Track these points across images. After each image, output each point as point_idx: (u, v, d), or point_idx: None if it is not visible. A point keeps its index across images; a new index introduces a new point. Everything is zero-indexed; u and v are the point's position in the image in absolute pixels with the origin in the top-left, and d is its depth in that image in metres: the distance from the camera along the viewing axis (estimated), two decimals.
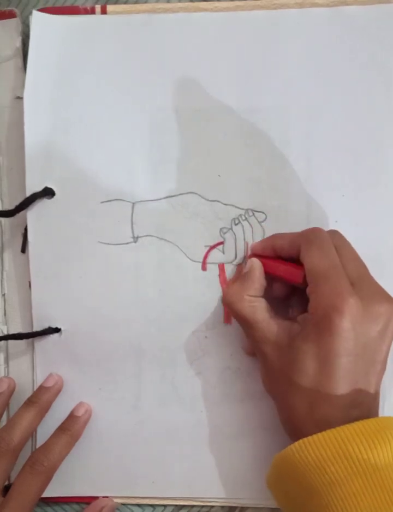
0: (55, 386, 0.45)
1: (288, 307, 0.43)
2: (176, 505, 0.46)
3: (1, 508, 0.39)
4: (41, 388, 0.45)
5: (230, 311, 0.41)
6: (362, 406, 0.36)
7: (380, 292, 0.38)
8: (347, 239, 0.41)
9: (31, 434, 0.44)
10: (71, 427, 0.44)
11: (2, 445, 0.41)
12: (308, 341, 0.36)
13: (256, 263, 0.42)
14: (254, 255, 0.43)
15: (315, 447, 0.34)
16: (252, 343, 0.41)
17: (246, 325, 0.40)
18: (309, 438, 0.34)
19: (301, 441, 0.35)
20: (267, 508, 0.45)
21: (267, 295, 0.41)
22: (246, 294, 0.40)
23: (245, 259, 0.44)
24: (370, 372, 0.36)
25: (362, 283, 0.38)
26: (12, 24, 0.47)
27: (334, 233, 0.41)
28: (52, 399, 0.45)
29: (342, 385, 0.35)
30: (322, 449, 0.34)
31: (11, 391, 0.46)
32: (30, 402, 0.44)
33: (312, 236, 0.39)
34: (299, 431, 0.36)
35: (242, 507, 0.46)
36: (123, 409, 0.46)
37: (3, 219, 0.48)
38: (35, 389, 0.46)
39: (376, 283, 0.39)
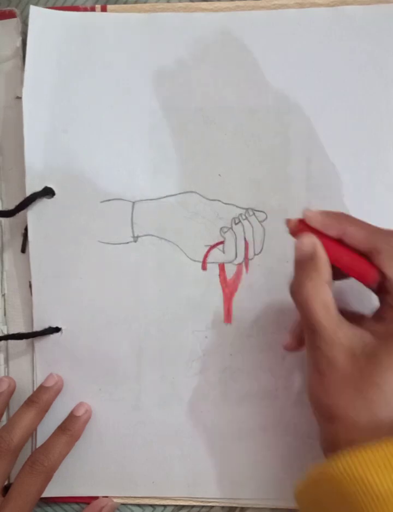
0: (55, 386, 0.45)
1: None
2: (176, 505, 0.46)
3: (1, 508, 0.39)
4: (41, 388, 0.45)
5: (299, 306, 0.35)
6: None
7: None
8: None
9: (31, 434, 0.44)
10: (71, 427, 0.44)
11: (2, 445, 0.41)
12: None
13: (318, 244, 0.35)
14: (308, 227, 0.36)
15: (364, 460, 0.31)
16: (314, 348, 0.35)
17: (315, 323, 0.34)
18: (357, 451, 0.31)
19: (347, 454, 0.31)
20: (267, 509, 0.45)
21: None
22: (324, 288, 0.34)
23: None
24: None
25: None
26: (12, 24, 0.47)
27: None
28: (52, 399, 0.45)
29: None
30: (369, 463, 0.31)
31: (11, 391, 0.46)
32: (30, 401, 0.44)
33: None
34: (355, 441, 0.33)
35: (242, 508, 0.46)
36: (123, 409, 0.46)
37: (3, 219, 0.47)
38: (35, 389, 0.46)
39: None
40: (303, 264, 0.35)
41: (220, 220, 0.45)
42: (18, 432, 0.42)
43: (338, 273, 0.35)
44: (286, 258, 0.44)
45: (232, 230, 0.45)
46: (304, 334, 0.36)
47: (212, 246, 0.45)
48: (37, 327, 0.46)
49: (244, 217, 0.45)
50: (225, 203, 0.45)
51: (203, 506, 0.46)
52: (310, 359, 0.36)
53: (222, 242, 0.45)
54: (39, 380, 0.46)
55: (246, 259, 0.45)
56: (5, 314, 0.47)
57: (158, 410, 0.46)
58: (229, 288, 0.45)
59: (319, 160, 0.45)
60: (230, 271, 0.45)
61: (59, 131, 0.46)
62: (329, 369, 0.34)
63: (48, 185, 0.45)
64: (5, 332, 0.47)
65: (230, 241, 0.45)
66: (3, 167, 0.48)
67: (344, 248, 0.35)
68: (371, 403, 0.33)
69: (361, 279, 0.35)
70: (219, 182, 0.45)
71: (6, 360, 0.47)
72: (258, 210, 0.45)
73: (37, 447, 0.44)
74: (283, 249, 0.45)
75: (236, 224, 0.45)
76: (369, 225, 0.36)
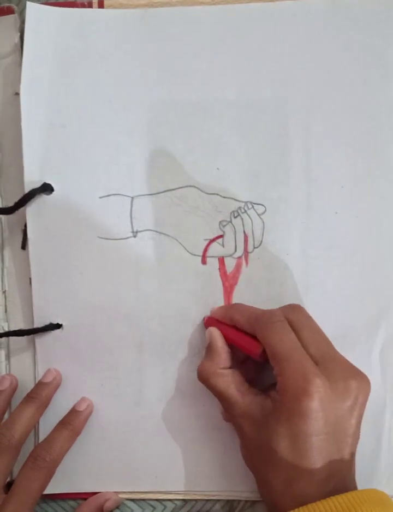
0: (54, 381, 0.45)
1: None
2: (180, 500, 0.46)
3: (4, 504, 0.39)
4: (40, 383, 0.45)
5: (206, 386, 0.42)
6: (337, 477, 0.36)
7: (346, 368, 0.38)
8: (309, 315, 0.41)
9: (32, 429, 0.44)
10: (72, 421, 0.44)
11: (3, 441, 0.41)
12: (279, 421, 0.36)
13: (215, 333, 0.42)
14: (214, 320, 0.44)
15: None
16: (229, 416, 0.41)
17: (222, 399, 0.41)
18: None
19: None
20: None
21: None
22: (217, 368, 0.41)
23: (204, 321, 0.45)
24: (342, 446, 0.37)
25: (326, 360, 0.38)
26: (11, 21, 0.47)
27: (295, 309, 0.41)
28: (51, 394, 0.45)
29: (316, 462, 0.36)
30: None
31: (14, 389, 0.46)
32: (29, 397, 0.44)
33: (266, 320, 0.39)
34: (276, 505, 0.37)
35: (246, 501, 0.46)
36: (125, 405, 0.46)
37: (2, 216, 0.47)
38: None
39: (341, 358, 0.39)
40: (206, 350, 0.43)
41: (219, 214, 0.45)
42: (19, 428, 0.42)
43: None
44: (285, 251, 0.45)
45: (232, 223, 0.45)
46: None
47: (212, 240, 0.45)
48: (38, 324, 0.46)
49: (243, 210, 0.45)
50: (224, 197, 0.45)
51: (207, 500, 0.46)
52: (234, 427, 0.41)
53: (221, 236, 0.45)
54: (41, 377, 0.46)
55: (245, 252, 0.45)
56: (6, 311, 0.47)
57: (160, 405, 0.46)
58: (229, 282, 0.45)
59: (318, 151, 0.45)
60: (230, 265, 0.45)
61: (57, 127, 0.45)
62: (241, 435, 0.40)
63: (47, 182, 0.45)
64: (6, 329, 0.47)
65: (229, 235, 0.45)
66: (3, 164, 0.48)
67: (235, 331, 0.42)
68: (275, 464, 0.37)
69: (248, 353, 0.40)
70: (217, 176, 0.45)
71: (8, 357, 0.47)
72: (257, 203, 0.45)
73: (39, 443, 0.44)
74: (282, 242, 0.45)
75: (235, 217, 0.45)
76: (252, 310, 0.42)
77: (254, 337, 0.40)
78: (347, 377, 0.37)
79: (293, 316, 0.40)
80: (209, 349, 0.42)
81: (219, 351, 0.41)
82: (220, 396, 0.41)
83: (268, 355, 0.38)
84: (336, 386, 0.36)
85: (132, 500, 0.46)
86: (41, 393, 0.44)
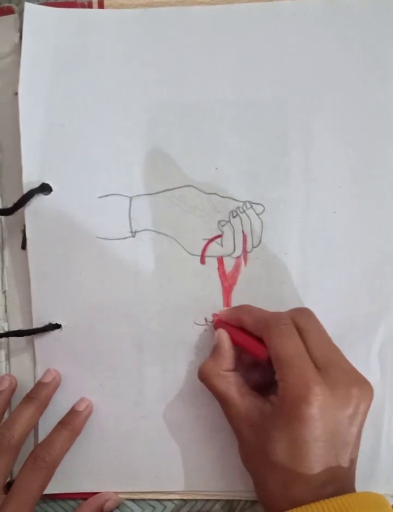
0: (54, 382, 0.45)
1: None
2: (180, 500, 0.46)
3: (4, 504, 0.39)
4: (40, 384, 0.45)
5: (206, 386, 0.42)
6: (335, 482, 0.36)
7: (349, 375, 0.38)
8: (317, 319, 0.40)
9: (32, 429, 0.44)
10: (72, 422, 0.44)
11: (3, 442, 0.41)
12: (277, 426, 0.36)
13: (223, 336, 0.42)
14: (220, 322, 0.44)
15: None
16: (227, 419, 0.41)
17: (221, 401, 0.41)
18: None
19: None
20: None
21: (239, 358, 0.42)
22: (220, 369, 0.41)
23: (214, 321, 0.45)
24: (341, 454, 0.36)
25: (329, 366, 0.37)
26: (10, 21, 0.47)
27: (303, 313, 0.40)
28: (51, 394, 0.45)
29: (313, 467, 0.35)
30: None
31: (13, 389, 0.46)
32: (29, 397, 0.44)
33: (273, 323, 0.39)
34: (273, 508, 0.37)
35: (246, 501, 0.46)
36: (125, 405, 0.46)
37: (2, 217, 0.47)
38: None
39: (345, 364, 0.38)
40: (212, 351, 0.43)
41: (218, 214, 0.45)
42: (19, 428, 0.42)
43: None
44: (284, 250, 0.45)
45: (230, 223, 0.45)
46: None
47: (210, 240, 0.45)
48: (37, 324, 0.46)
49: (241, 210, 0.45)
50: (223, 197, 0.45)
51: (207, 500, 0.46)
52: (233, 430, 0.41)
53: (220, 236, 0.45)
54: (40, 377, 0.46)
55: (244, 252, 0.45)
56: (6, 311, 0.47)
57: (160, 405, 0.46)
58: (228, 281, 0.45)
59: (317, 151, 0.45)
60: (229, 264, 0.45)
61: (56, 127, 0.45)
62: (240, 438, 0.40)
63: (46, 182, 0.45)
64: (6, 329, 0.47)
65: (228, 234, 0.45)
66: (2, 164, 0.48)
67: (242, 333, 0.42)
68: (272, 467, 0.37)
69: (254, 355, 0.40)
70: (216, 176, 0.45)
71: (8, 357, 0.47)
72: (256, 203, 0.45)
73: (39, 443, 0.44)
74: (281, 242, 0.45)
75: (233, 217, 0.45)
76: (260, 312, 0.42)
77: (261, 340, 0.40)
78: (349, 384, 0.37)
79: (300, 319, 0.40)
80: (215, 350, 0.42)
81: (224, 353, 0.41)
82: (219, 396, 0.41)
83: (271, 358, 0.38)
84: (337, 394, 0.36)
85: (132, 500, 0.46)
86: (41, 393, 0.44)
